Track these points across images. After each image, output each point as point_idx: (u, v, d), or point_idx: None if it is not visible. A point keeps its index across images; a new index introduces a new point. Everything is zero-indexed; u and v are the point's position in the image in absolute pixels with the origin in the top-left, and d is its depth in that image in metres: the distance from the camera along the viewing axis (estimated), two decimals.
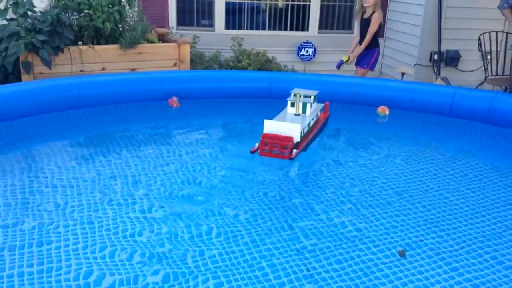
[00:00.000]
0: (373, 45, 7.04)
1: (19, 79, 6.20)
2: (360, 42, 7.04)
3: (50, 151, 4.61)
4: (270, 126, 4.44)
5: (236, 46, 8.30)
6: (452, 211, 3.79)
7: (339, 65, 7.11)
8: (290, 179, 4.20)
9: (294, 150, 4.34)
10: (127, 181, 3.99)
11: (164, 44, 7.15)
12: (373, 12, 6.81)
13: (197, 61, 7.87)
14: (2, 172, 4.09)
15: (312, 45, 8.88)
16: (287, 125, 4.41)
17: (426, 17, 8.14)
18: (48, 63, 6.14)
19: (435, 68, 8.25)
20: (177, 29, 8.40)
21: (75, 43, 6.47)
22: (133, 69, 6.76)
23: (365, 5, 6.83)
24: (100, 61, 6.59)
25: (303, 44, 8.90)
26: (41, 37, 5.98)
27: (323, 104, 5.24)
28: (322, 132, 5.17)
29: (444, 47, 8.22)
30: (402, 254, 3.21)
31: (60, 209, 3.50)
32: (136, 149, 4.74)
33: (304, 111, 4.78)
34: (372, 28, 6.81)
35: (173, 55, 7.02)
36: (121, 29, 6.76)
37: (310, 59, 8.94)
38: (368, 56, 7.06)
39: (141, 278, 2.80)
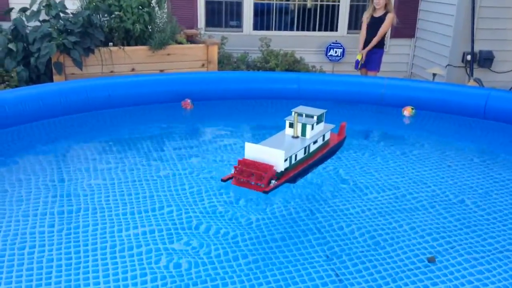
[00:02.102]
0: (381, 45, 7.15)
1: (51, 80, 6.33)
2: (366, 42, 7.11)
3: (81, 151, 4.69)
4: (252, 151, 3.73)
5: (264, 47, 8.29)
6: (484, 216, 3.68)
7: (357, 65, 7.17)
8: (316, 183, 4.15)
9: (273, 182, 3.57)
10: (156, 184, 4.03)
11: (192, 45, 7.19)
12: (386, 12, 6.91)
13: (225, 62, 7.88)
14: (35, 169, 4.17)
15: (341, 46, 8.79)
16: (269, 151, 3.66)
17: (459, 17, 7.95)
18: (79, 64, 6.24)
19: (468, 69, 8.06)
20: (205, 30, 8.44)
21: (105, 44, 6.56)
22: (161, 70, 6.82)
23: (376, 7, 6.96)
24: (129, 62, 6.66)
25: (332, 44, 8.82)
26: (72, 38, 6.08)
27: (333, 125, 4.46)
28: (332, 156, 4.48)
29: (477, 48, 8.02)
30: (431, 260, 3.13)
31: (91, 210, 3.58)
32: (161, 150, 4.77)
33: (303, 133, 4.09)
34: (385, 27, 6.90)
35: (201, 56, 7.05)
36: (150, 30, 6.82)
37: (338, 59, 8.86)
38: (376, 57, 7.13)
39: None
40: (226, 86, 6.38)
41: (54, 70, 6.25)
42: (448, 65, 8.20)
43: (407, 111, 5.98)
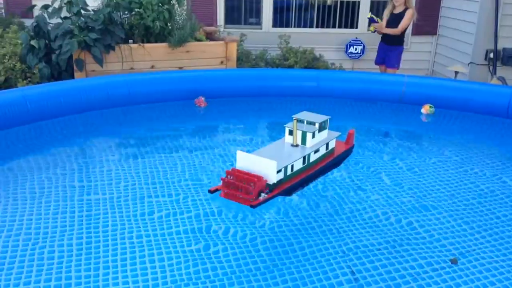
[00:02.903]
0: (401, 42, 7.03)
1: (72, 76, 6.39)
2: (386, 37, 7.04)
3: (101, 147, 4.74)
4: (243, 160, 3.52)
5: (283, 44, 8.25)
6: (508, 217, 3.60)
7: (371, 21, 7.03)
8: (335, 180, 4.11)
9: (262, 195, 3.36)
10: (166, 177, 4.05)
11: (211, 42, 7.19)
12: (406, 8, 6.82)
13: (243, 59, 7.87)
14: (59, 164, 4.24)
15: (361, 43, 8.71)
16: (261, 161, 3.43)
17: (482, 14, 7.80)
18: (100, 61, 6.30)
19: (491, 67, 7.90)
20: (224, 28, 8.44)
21: (125, 41, 6.60)
22: (180, 68, 6.84)
23: (396, 4, 6.87)
24: (149, 59, 6.70)
25: (352, 41, 8.74)
26: (93, 35, 6.14)
27: (339, 133, 4.21)
28: (337, 166, 4.24)
29: (500, 45, 7.86)
30: (453, 262, 3.07)
31: (108, 197, 3.61)
32: (179, 147, 4.78)
33: (303, 141, 3.85)
34: (405, 23, 6.79)
35: (220, 54, 7.04)
36: (170, 27, 6.84)
37: (358, 57, 8.77)
38: (396, 53, 7.02)
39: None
40: (244, 83, 6.36)
41: (75, 67, 6.31)
42: (471, 63, 8.05)
43: (424, 109, 5.90)
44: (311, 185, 3.86)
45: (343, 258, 3.04)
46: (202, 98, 5.98)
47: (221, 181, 3.47)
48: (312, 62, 8.09)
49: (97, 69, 6.42)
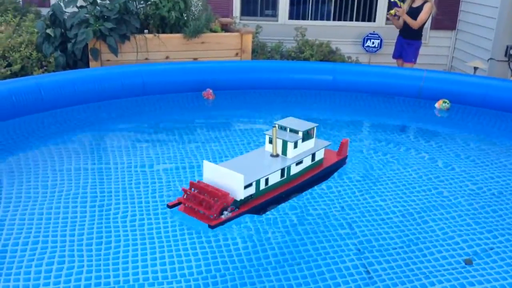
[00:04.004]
0: (419, 36, 6.92)
1: (87, 66, 6.40)
2: (404, 31, 6.94)
3: (114, 136, 4.73)
4: (210, 172, 3.19)
5: (299, 37, 8.17)
6: None
7: (393, 5, 6.90)
8: (350, 176, 4.05)
9: (225, 213, 3.06)
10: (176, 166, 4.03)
11: (226, 33, 7.14)
12: (425, 2, 6.70)
13: (258, 51, 7.81)
14: (72, 153, 4.24)
15: (379, 37, 8.58)
16: (228, 174, 3.08)
17: (503, 8, 7.63)
18: (115, 51, 6.29)
19: (511, 64, 7.74)
20: (240, 19, 8.37)
21: (140, 31, 6.58)
22: (195, 59, 6.80)
23: None
24: (164, 50, 6.67)
25: (369, 35, 8.62)
26: (109, 25, 6.12)
27: (328, 143, 3.90)
28: (326, 179, 3.82)
29: None
30: (468, 262, 3.00)
31: (120, 184, 3.60)
32: (192, 137, 4.76)
33: (284, 152, 3.49)
34: (423, 16, 6.67)
35: (235, 45, 6.99)
36: (185, 18, 6.80)
37: (376, 51, 8.65)
38: (414, 48, 6.92)
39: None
40: (258, 75, 6.29)
41: (90, 56, 6.32)
42: (490, 59, 7.89)
43: (438, 104, 5.81)
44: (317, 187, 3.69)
45: (358, 256, 2.99)
46: (210, 91, 5.91)
47: (183, 193, 3.19)
48: (328, 55, 8.00)
49: (112, 59, 6.41)
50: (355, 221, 3.37)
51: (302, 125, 3.61)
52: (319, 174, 3.72)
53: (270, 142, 3.52)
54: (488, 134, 5.35)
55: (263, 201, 3.25)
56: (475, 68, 7.73)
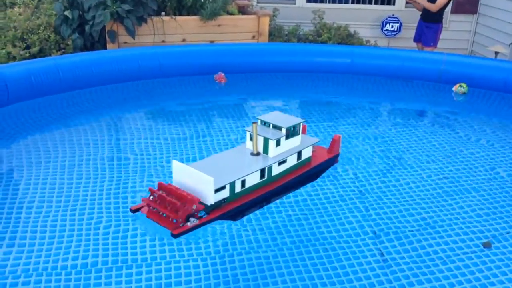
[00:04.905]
0: (438, 19, 6.78)
1: (104, 48, 6.41)
2: (424, 14, 6.84)
3: (131, 117, 4.75)
4: (179, 173, 2.90)
5: (317, 20, 8.07)
6: None
7: None
8: (367, 158, 4.02)
9: (192, 219, 2.76)
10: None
11: (243, 16, 7.08)
12: None
13: (275, 34, 7.74)
14: (90, 134, 4.28)
15: (398, 20, 8.43)
16: (197, 176, 2.78)
17: None
18: (132, 33, 6.29)
19: None
20: (257, 1, 8.29)
21: (158, 13, 6.56)
22: (212, 41, 6.77)
23: None
24: (181, 32, 6.65)
25: (388, 18, 8.47)
26: (126, 7, 6.11)
27: (317, 140, 3.61)
28: (312, 180, 3.52)
29: None
30: (486, 245, 2.97)
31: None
32: (209, 120, 4.76)
33: (265, 150, 3.19)
34: (442, 0, 6.54)
35: (252, 28, 6.93)
36: (202, 0, 6.76)
37: (394, 34, 8.51)
38: (432, 31, 6.78)
39: None
40: (274, 58, 6.22)
41: (107, 38, 6.32)
42: None
43: (455, 88, 5.71)
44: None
45: (373, 241, 2.97)
46: (222, 74, 5.87)
47: (148, 195, 2.92)
48: (346, 39, 7.89)
49: (129, 41, 6.42)
50: (371, 204, 3.35)
51: (287, 120, 3.29)
52: (306, 174, 3.40)
53: (251, 139, 3.21)
54: (508, 119, 5.25)
55: (239, 205, 2.94)
56: (496, 53, 7.56)
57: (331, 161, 3.68)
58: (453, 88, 5.77)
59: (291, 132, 3.26)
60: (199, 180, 2.78)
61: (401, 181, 3.68)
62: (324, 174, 3.66)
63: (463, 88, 5.67)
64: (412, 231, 3.07)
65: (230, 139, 4.26)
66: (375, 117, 5.09)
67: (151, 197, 2.91)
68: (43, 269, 2.61)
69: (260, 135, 3.15)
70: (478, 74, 5.83)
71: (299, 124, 3.32)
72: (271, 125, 3.25)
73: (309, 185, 3.50)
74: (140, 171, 3.66)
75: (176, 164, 2.93)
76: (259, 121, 3.31)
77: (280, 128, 3.23)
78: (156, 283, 2.54)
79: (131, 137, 4.25)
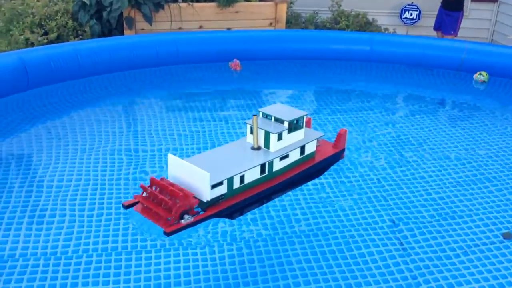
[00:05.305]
0: (459, 6, 6.67)
1: (122, 34, 6.41)
2: (444, 2, 6.74)
3: (148, 104, 4.76)
4: (175, 167, 2.76)
5: (335, 7, 7.97)
6: None
7: None
8: (382, 151, 3.98)
9: (187, 217, 2.62)
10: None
11: (260, 3, 7.02)
12: None
13: (292, 22, 7.67)
14: (104, 120, 4.29)
15: (417, 8, 8.30)
16: (193, 171, 2.63)
17: None
18: (149, 19, 6.28)
19: None
20: None
21: (175, 0, 6.54)
22: (228, 28, 6.73)
23: None
24: (198, 19, 6.62)
25: (407, 6, 8.34)
26: None
27: (321, 134, 3.44)
28: (317, 176, 3.34)
29: None
30: (507, 236, 2.93)
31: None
32: (217, 108, 4.75)
33: (266, 144, 3.03)
34: None
35: (269, 15, 6.88)
36: None
37: (413, 22, 8.38)
38: (453, 19, 6.68)
39: None
40: (292, 45, 6.16)
41: (125, 25, 6.32)
42: None
43: (475, 76, 5.62)
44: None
45: (392, 229, 2.94)
46: (238, 62, 5.82)
47: (141, 191, 2.77)
48: (365, 26, 7.80)
49: (146, 28, 6.41)
50: (390, 194, 3.32)
51: (290, 113, 3.11)
52: (309, 169, 3.22)
53: (252, 132, 3.04)
54: None
55: (237, 202, 2.79)
56: None
57: (337, 156, 3.50)
58: (474, 76, 5.68)
59: (294, 126, 3.10)
60: (195, 175, 2.63)
61: (419, 170, 3.64)
62: (342, 162, 3.63)
63: (483, 76, 5.58)
64: (431, 221, 3.04)
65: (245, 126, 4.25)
66: (394, 106, 5.04)
67: (144, 194, 2.78)
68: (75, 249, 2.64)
69: (261, 129, 3.00)
70: (499, 63, 5.72)
71: (303, 117, 3.16)
72: (273, 117, 3.08)
73: (326, 173, 3.47)
74: (154, 159, 3.66)
75: (171, 158, 2.77)
76: (260, 114, 3.15)
77: (282, 121, 3.06)
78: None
79: (148, 124, 4.26)
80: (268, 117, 3.10)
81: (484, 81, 5.58)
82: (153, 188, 2.75)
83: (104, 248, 2.67)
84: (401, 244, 2.82)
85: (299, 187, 3.23)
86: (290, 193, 3.21)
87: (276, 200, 3.12)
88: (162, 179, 2.80)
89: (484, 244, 2.85)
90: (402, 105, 5.15)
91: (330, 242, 2.79)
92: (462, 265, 2.67)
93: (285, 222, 2.95)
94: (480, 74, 5.60)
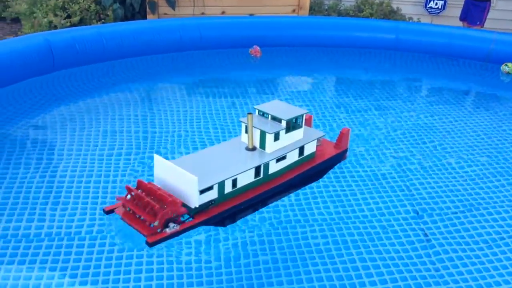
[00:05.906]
0: None
1: (144, 19, 6.41)
2: None
3: (170, 88, 4.76)
4: (161, 169, 2.50)
5: None
6: None
7: None
8: (404, 141, 3.93)
9: (172, 225, 2.35)
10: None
11: None
12: None
13: (316, 9, 7.59)
14: (126, 103, 4.31)
15: None
16: (180, 174, 2.37)
17: None
18: (172, 4, 6.27)
19: None
20: None
21: None
22: (251, 14, 6.69)
23: None
24: (220, 5, 6.59)
25: None
26: None
27: (322, 133, 3.19)
28: (317, 178, 3.10)
29: None
30: None
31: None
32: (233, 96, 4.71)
33: (262, 145, 2.77)
34: None
35: (292, 1, 6.82)
36: None
37: (438, 12, 8.21)
38: (480, 10, 6.52)
39: None
40: (315, 32, 6.08)
41: (148, 9, 6.33)
42: None
43: (502, 67, 5.52)
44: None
45: (415, 220, 2.91)
46: (258, 48, 5.76)
47: (126, 193, 2.48)
48: (389, 15, 7.68)
49: (169, 12, 6.41)
50: (414, 183, 3.28)
51: (288, 111, 2.84)
52: (309, 171, 2.96)
53: (246, 131, 2.78)
54: None
55: (229, 208, 2.54)
56: None
57: (339, 157, 3.28)
58: (501, 68, 5.57)
59: (292, 125, 2.87)
60: (182, 179, 2.36)
61: (443, 161, 3.59)
62: (365, 152, 3.60)
63: (508, 67, 5.46)
64: (456, 212, 3.00)
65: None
66: (418, 95, 4.97)
67: (128, 196, 2.54)
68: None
69: (257, 128, 2.74)
70: None
71: (302, 115, 2.92)
72: (269, 116, 2.85)
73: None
74: (168, 142, 3.67)
75: (157, 159, 2.48)
76: (256, 111, 2.90)
77: (279, 120, 2.80)
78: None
79: (170, 108, 4.27)
80: (265, 115, 2.85)
81: (509, 73, 5.47)
82: (139, 190, 2.51)
83: None
84: (426, 235, 2.79)
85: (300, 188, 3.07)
86: (296, 191, 3.04)
87: (279, 204, 2.99)
88: (150, 183, 2.56)
89: (510, 237, 2.80)
90: (427, 95, 5.08)
91: (351, 232, 2.77)
92: (486, 258, 2.63)
93: (306, 209, 2.94)
94: (506, 65, 5.49)
